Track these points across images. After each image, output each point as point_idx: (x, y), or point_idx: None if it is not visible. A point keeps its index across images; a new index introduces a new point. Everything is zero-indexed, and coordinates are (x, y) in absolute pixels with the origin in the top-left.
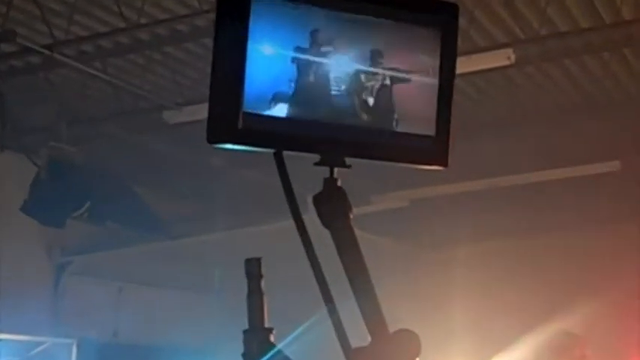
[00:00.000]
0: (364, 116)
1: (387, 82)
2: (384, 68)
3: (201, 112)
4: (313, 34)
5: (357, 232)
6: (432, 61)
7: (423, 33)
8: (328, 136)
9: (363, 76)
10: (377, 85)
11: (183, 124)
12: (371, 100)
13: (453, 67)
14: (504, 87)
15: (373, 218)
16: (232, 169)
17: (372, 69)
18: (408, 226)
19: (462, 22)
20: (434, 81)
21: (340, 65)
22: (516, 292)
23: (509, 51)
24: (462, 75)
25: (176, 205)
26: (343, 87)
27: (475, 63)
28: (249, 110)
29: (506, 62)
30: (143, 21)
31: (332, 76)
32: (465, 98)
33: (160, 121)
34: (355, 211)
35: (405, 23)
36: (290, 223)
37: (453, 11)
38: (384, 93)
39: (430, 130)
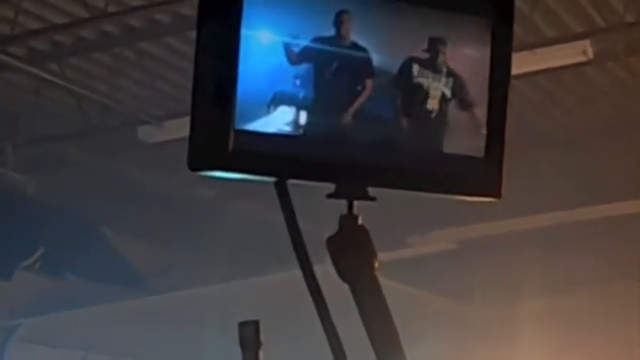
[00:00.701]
0: (405, 130)
1: (449, 82)
2: (448, 64)
3: (187, 128)
4: (339, 16)
5: (391, 283)
6: (481, 59)
7: (469, 23)
8: (347, 158)
9: (416, 70)
10: (435, 86)
11: (164, 143)
12: (425, 107)
13: (508, 67)
14: (579, 90)
15: (411, 265)
16: (225, 201)
17: (433, 61)
18: (454, 275)
19: (524, 6)
20: (483, 84)
21: (380, 57)
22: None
23: (586, 43)
24: (523, 75)
25: (155, 251)
26: (379, 88)
27: (541, 60)
28: (243, 126)
29: (582, 58)
30: (111, 9)
31: (362, 72)
32: (527, 105)
33: (134, 141)
34: (387, 257)
35: (449, 11)
36: (300, 272)
37: None
38: (444, 98)
39: (477, 150)
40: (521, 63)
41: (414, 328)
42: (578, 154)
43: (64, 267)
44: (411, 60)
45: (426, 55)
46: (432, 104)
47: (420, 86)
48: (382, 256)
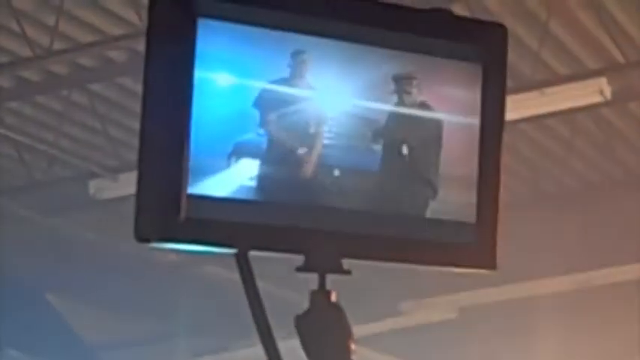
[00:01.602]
0: (382, 188)
1: (426, 132)
2: (422, 105)
3: None
4: (296, 57)
5: (383, 357)
6: (471, 105)
7: (455, 67)
8: (316, 224)
9: (387, 114)
10: (410, 136)
11: (119, 199)
12: (402, 156)
13: (501, 114)
14: (595, 135)
15: (405, 336)
16: (189, 265)
17: (402, 103)
18: (455, 348)
19: (531, 41)
20: (472, 136)
21: (347, 104)
22: None
23: (602, 81)
24: (532, 119)
25: (109, 322)
26: (344, 137)
27: (551, 101)
28: (198, 190)
29: (598, 98)
30: (58, 46)
31: (328, 125)
32: (537, 153)
33: (84, 196)
34: (377, 327)
35: (430, 56)
36: (283, 345)
37: (498, 34)
38: (421, 150)
39: (469, 214)
40: (530, 105)
41: None
42: (595, 208)
43: (3, 340)
44: (396, 106)
45: (394, 97)
46: (414, 152)
47: (392, 131)
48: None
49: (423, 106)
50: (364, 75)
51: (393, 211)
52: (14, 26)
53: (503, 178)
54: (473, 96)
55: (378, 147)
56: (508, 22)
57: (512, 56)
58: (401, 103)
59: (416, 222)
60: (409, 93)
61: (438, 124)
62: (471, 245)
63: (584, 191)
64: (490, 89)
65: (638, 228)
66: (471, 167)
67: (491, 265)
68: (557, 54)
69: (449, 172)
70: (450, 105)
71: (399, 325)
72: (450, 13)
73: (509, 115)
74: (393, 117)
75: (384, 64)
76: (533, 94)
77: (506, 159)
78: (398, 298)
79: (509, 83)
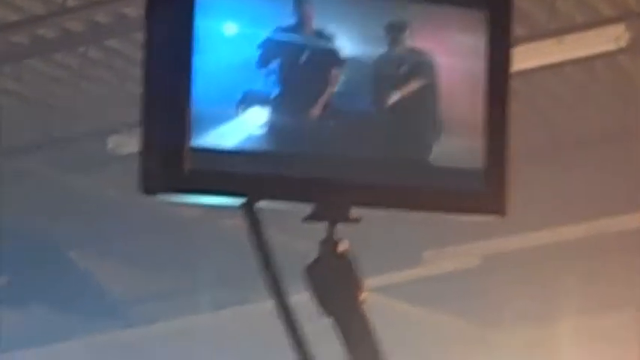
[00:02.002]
0: (386, 136)
1: (420, 77)
2: (413, 51)
3: None
4: (300, 4)
5: (404, 306)
6: (473, 51)
7: (458, 14)
8: (325, 174)
9: (384, 66)
10: (403, 82)
11: (138, 154)
12: (405, 103)
13: (507, 58)
14: (612, 82)
15: (427, 285)
16: (213, 219)
17: (393, 50)
18: (479, 296)
19: None
20: (476, 81)
21: (350, 50)
22: None
23: (620, 28)
24: (549, 67)
25: (134, 276)
26: (351, 83)
27: (568, 49)
28: (201, 142)
29: (615, 45)
30: (72, 3)
31: (335, 71)
32: (554, 101)
33: (103, 152)
34: (399, 276)
35: (430, 3)
36: (304, 296)
37: None
38: (417, 95)
39: (475, 159)
40: (546, 53)
41: (433, 359)
42: (616, 154)
43: (28, 297)
44: (369, 45)
45: (386, 40)
46: (409, 97)
47: (391, 76)
48: (393, 275)
49: (415, 52)
50: (363, 22)
51: (399, 158)
52: None
53: (519, 126)
54: (476, 42)
55: (379, 93)
56: None
57: (527, 4)
58: (391, 49)
59: (422, 169)
60: (401, 40)
61: (432, 70)
62: (479, 191)
63: (601, 139)
64: (496, 34)
65: None
66: (476, 113)
67: (501, 211)
68: (573, 1)
69: (451, 117)
70: (450, 51)
71: (421, 274)
72: None
73: (525, 64)
74: (386, 63)
75: (381, 11)
76: (549, 42)
77: (522, 108)
78: (419, 248)
79: (525, 32)
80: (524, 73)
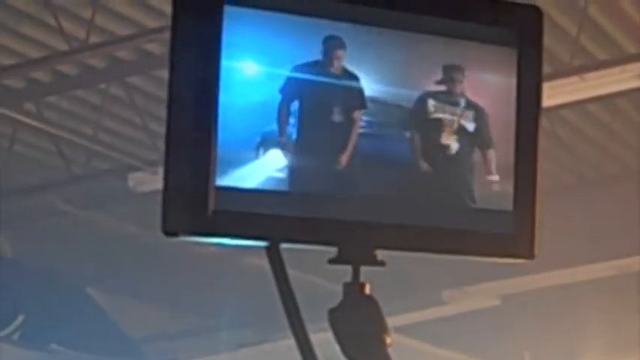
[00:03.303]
0: (420, 178)
1: (470, 115)
2: (466, 95)
3: None
4: (328, 43)
5: (425, 346)
6: (505, 92)
7: (491, 52)
8: (349, 215)
9: (432, 104)
10: (453, 120)
11: (158, 192)
12: (445, 147)
13: (537, 99)
14: (635, 119)
15: (448, 325)
16: (233, 257)
17: (449, 92)
18: (499, 336)
19: (570, 26)
20: (508, 122)
21: (382, 91)
22: None
23: None
24: (573, 104)
25: (151, 315)
26: (384, 125)
27: (592, 86)
28: (226, 182)
29: (638, 83)
30: (95, 39)
31: (360, 112)
32: (579, 138)
33: (124, 189)
34: (420, 316)
35: (468, 41)
36: (324, 336)
37: (534, 17)
38: (465, 134)
39: (506, 203)
40: (570, 91)
41: None
42: (636, 193)
43: (47, 336)
44: (425, 93)
45: (440, 87)
46: (452, 142)
47: (437, 121)
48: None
49: (471, 104)
50: (401, 62)
51: (429, 201)
52: (50, 20)
53: (543, 164)
54: (509, 82)
55: (417, 136)
56: (546, 6)
57: (550, 41)
58: (449, 93)
59: (451, 211)
60: (461, 84)
61: (480, 114)
62: (509, 234)
63: (623, 177)
64: (526, 74)
65: None
66: (508, 155)
67: (530, 254)
68: (596, 39)
69: (488, 161)
70: (488, 92)
71: (442, 314)
72: None
73: (549, 101)
74: (441, 106)
75: (424, 50)
76: (572, 80)
77: (546, 145)
78: (440, 287)
79: (548, 69)
80: (547, 110)
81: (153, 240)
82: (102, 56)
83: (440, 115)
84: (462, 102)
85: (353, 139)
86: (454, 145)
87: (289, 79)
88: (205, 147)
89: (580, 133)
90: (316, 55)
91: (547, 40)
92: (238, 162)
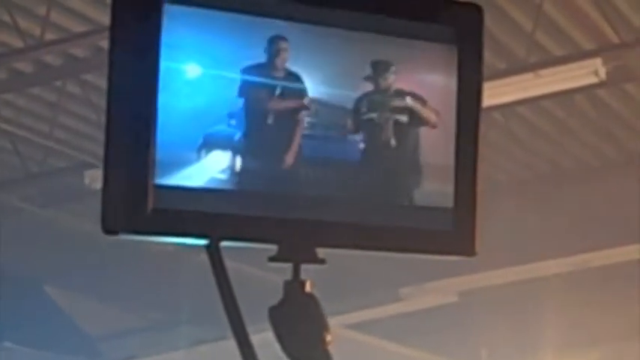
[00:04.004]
0: (359, 176)
1: (405, 116)
2: (401, 93)
3: None
4: (273, 43)
5: (382, 343)
6: (445, 89)
7: (430, 49)
8: (289, 213)
9: (366, 105)
10: (391, 121)
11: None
12: (382, 142)
13: (478, 98)
14: (591, 116)
15: (405, 322)
16: (189, 254)
17: (379, 87)
18: (457, 333)
19: (525, 22)
20: (449, 119)
21: (324, 92)
22: None
23: (597, 62)
24: (527, 101)
25: (108, 312)
26: (325, 126)
27: (547, 83)
28: (165, 181)
29: (593, 79)
30: (50, 37)
31: (305, 113)
32: (534, 134)
33: (80, 187)
34: (377, 313)
35: (405, 38)
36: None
37: (474, 14)
38: (403, 135)
39: (446, 200)
40: (525, 87)
41: None
42: (594, 190)
43: (1, 334)
44: (363, 93)
45: (370, 83)
46: (389, 140)
47: (371, 120)
48: (372, 312)
49: (401, 93)
50: (341, 60)
51: (369, 199)
52: (5, 17)
53: (498, 159)
54: (449, 79)
55: (358, 137)
56: (502, 2)
57: (506, 37)
58: (378, 90)
59: (391, 209)
60: (386, 80)
61: (414, 112)
62: (449, 231)
63: (579, 173)
64: (466, 72)
65: (634, 209)
66: (448, 153)
67: (470, 251)
68: (551, 35)
69: (427, 159)
70: (426, 90)
71: (399, 311)
72: None
73: (504, 97)
74: (373, 105)
75: (359, 48)
76: (527, 76)
77: (501, 140)
78: (397, 284)
79: (504, 65)
80: (504, 106)
81: (110, 237)
82: (57, 53)
83: (374, 115)
84: (397, 99)
85: (297, 139)
86: (392, 143)
87: (233, 81)
88: (144, 146)
89: (535, 129)
90: (260, 55)
91: (503, 36)
92: (179, 162)
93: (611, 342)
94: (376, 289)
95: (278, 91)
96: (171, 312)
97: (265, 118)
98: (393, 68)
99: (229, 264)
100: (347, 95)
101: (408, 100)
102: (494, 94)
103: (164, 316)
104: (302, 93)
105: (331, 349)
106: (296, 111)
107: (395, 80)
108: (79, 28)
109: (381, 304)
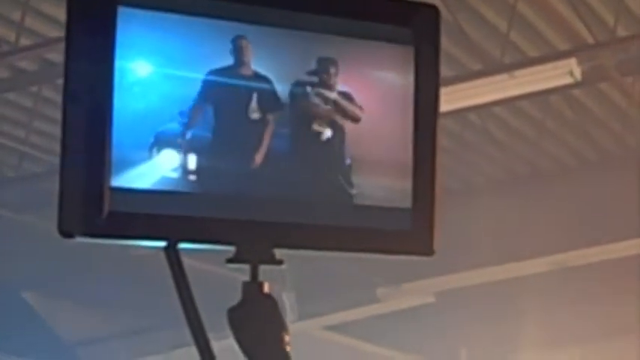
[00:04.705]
0: (308, 175)
1: (338, 117)
2: (338, 92)
3: None
4: (237, 43)
5: (359, 344)
6: (404, 89)
7: (385, 49)
8: (246, 215)
9: (305, 96)
10: (327, 112)
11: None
12: (322, 140)
13: (435, 98)
14: (567, 116)
15: (383, 322)
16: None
17: (322, 84)
18: (434, 333)
19: (500, 23)
20: (404, 120)
21: (282, 86)
22: None
23: (572, 62)
24: (503, 101)
25: (85, 318)
26: (281, 124)
27: (521, 83)
28: (121, 183)
29: (568, 80)
30: (25, 42)
31: (268, 106)
32: (510, 135)
33: (56, 191)
34: (354, 314)
35: (357, 39)
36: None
37: (431, 15)
38: (338, 137)
39: (403, 200)
40: (500, 87)
41: None
42: (571, 189)
43: None
44: (299, 84)
45: (314, 78)
46: (324, 135)
47: (312, 116)
48: (349, 313)
49: (342, 93)
50: (294, 61)
51: (325, 200)
52: None
53: (475, 160)
54: (406, 80)
55: (300, 133)
56: (476, 3)
57: (481, 38)
58: (321, 87)
59: (344, 209)
60: (328, 78)
61: (357, 110)
62: (407, 231)
63: (556, 173)
64: (423, 72)
65: (611, 209)
66: (406, 153)
67: (428, 251)
68: (526, 35)
69: (378, 157)
70: (376, 89)
71: (377, 312)
72: None
73: (480, 98)
74: (311, 103)
75: (310, 48)
76: (503, 77)
77: (478, 141)
78: (374, 285)
79: (479, 65)
80: (479, 107)
81: (87, 243)
82: (33, 58)
83: (314, 109)
84: (340, 99)
85: (267, 139)
86: (333, 141)
87: (189, 80)
88: (99, 148)
89: (512, 130)
90: (226, 56)
91: (477, 37)
92: (134, 163)
93: (590, 341)
94: (353, 291)
95: (248, 92)
96: (147, 317)
97: (236, 118)
98: (333, 68)
99: (188, 262)
100: (301, 92)
101: (335, 95)
102: (470, 94)
103: (140, 321)
104: (272, 93)
105: (290, 349)
106: (267, 111)
107: (339, 80)
108: (54, 33)
109: (359, 306)
